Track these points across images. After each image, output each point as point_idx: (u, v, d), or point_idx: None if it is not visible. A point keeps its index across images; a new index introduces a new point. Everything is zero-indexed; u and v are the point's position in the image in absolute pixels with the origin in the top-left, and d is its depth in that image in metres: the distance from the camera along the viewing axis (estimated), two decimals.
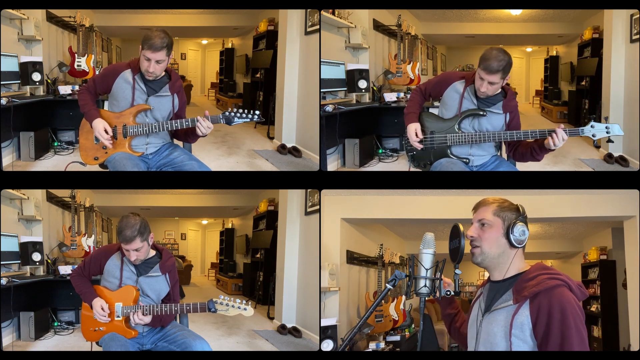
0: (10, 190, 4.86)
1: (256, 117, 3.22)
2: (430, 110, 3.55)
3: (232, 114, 3.21)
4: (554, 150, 3.02)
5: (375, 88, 5.58)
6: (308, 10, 4.99)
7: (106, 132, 3.23)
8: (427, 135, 3.30)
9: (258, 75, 7.01)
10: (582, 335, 2.05)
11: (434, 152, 3.31)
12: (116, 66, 3.33)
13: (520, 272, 2.21)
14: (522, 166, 3.40)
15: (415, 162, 3.39)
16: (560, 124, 3.04)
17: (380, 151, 5.49)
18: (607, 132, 2.94)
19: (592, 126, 2.96)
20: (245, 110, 3.22)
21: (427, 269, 2.19)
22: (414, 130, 3.30)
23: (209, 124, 3.18)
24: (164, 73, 3.30)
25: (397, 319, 5.87)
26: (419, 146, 3.30)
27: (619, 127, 2.94)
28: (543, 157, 3.13)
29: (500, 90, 3.17)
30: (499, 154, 3.47)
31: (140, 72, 3.25)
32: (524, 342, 2.09)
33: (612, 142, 3.08)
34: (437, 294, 2.23)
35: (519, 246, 2.20)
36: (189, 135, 3.39)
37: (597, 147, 5.48)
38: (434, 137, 3.30)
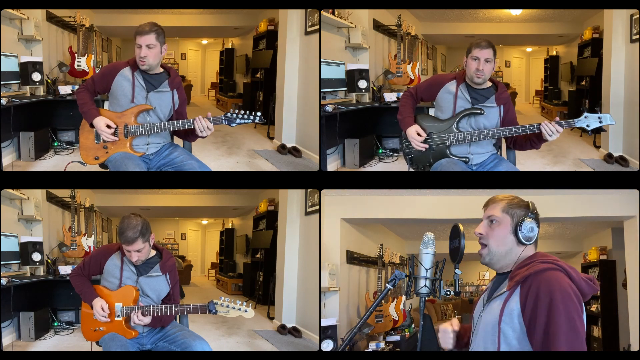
0: (10, 190, 4.86)
1: (257, 118, 3.24)
2: (426, 112, 3.55)
3: (234, 115, 3.23)
4: (550, 140, 3.10)
5: (375, 88, 5.58)
6: (308, 10, 4.99)
7: (109, 127, 3.24)
8: (427, 137, 3.31)
9: (258, 75, 7.00)
10: (573, 322, 1.95)
11: (433, 153, 3.30)
12: (115, 64, 3.36)
13: None
14: (522, 166, 3.41)
15: (414, 165, 3.38)
16: (555, 117, 3.14)
17: (380, 151, 5.49)
18: (600, 122, 3.05)
19: (585, 117, 3.06)
20: (247, 112, 3.24)
21: (427, 269, 2.19)
22: (415, 131, 3.29)
23: (209, 124, 3.20)
24: (162, 70, 3.34)
25: (397, 319, 5.87)
26: (424, 146, 3.28)
27: (610, 116, 3.06)
28: (541, 145, 3.22)
29: (491, 84, 3.27)
30: (498, 152, 3.49)
31: (139, 69, 3.27)
32: (512, 329, 2.04)
33: (605, 130, 3.22)
34: (437, 294, 2.23)
35: (528, 243, 2.17)
36: (189, 134, 3.41)
37: (597, 146, 5.49)
38: (432, 137, 3.30)
